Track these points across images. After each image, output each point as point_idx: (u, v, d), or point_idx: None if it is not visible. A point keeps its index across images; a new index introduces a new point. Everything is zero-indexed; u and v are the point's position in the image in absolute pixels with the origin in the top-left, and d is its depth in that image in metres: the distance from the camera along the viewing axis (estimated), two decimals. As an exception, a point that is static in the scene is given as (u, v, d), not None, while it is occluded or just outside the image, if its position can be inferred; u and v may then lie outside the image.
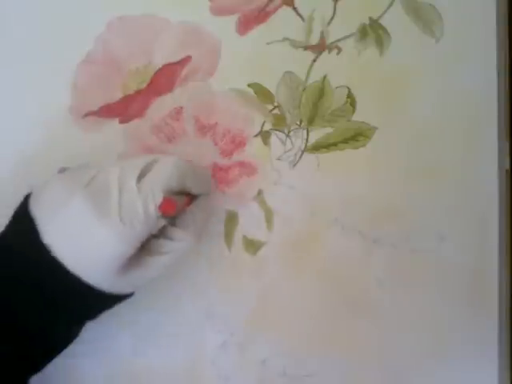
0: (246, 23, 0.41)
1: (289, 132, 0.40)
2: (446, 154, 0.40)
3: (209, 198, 0.36)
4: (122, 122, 0.40)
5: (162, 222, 0.33)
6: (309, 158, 0.40)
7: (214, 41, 0.41)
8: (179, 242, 0.34)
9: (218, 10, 0.41)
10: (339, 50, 0.40)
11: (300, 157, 0.40)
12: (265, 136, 0.40)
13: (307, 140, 0.40)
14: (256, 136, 0.40)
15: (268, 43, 0.41)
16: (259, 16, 0.41)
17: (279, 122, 0.40)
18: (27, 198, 0.33)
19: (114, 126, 0.40)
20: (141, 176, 0.33)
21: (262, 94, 0.40)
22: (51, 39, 0.41)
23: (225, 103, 0.40)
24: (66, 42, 0.41)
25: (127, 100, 0.40)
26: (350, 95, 0.40)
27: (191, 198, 0.35)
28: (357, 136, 0.40)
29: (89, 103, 0.40)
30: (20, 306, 0.32)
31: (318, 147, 0.40)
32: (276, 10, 0.41)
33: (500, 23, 0.40)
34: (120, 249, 0.32)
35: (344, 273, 0.40)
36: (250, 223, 0.40)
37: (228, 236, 0.40)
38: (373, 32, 0.40)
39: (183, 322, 0.40)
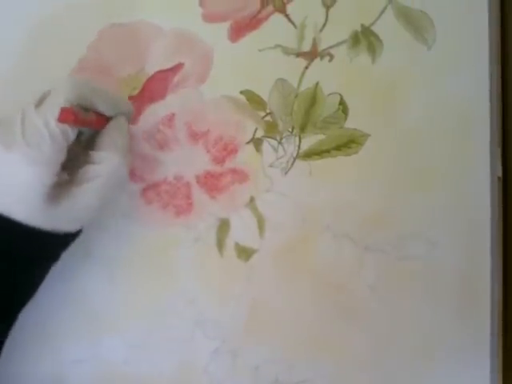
0: (238, 30, 0.41)
1: (281, 139, 0.40)
2: (439, 161, 0.40)
3: (125, 119, 0.36)
4: (114, 128, 0.40)
5: (71, 136, 0.33)
6: (301, 165, 0.40)
7: (206, 48, 0.41)
8: (102, 163, 0.34)
9: (210, 17, 0.41)
10: (331, 56, 0.40)
11: (292, 164, 0.40)
12: (257, 143, 0.40)
13: (299, 147, 0.40)
14: (248, 143, 0.40)
15: (260, 50, 0.41)
16: (251, 23, 0.41)
17: (271, 129, 0.40)
18: None
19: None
20: (39, 103, 0.33)
21: (254, 100, 0.40)
22: (43, 47, 0.41)
23: (217, 110, 0.40)
24: (59, 49, 0.41)
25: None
26: (342, 102, 0.40)
27: (103, 118, 0.35)
28: (349, 143, 0.40)
29: (81, 110, 0.40)
30: None
31: (310, 154, 0.40)
32: (268, 16, 0.41)
33: (492, 30, 0.40)
34: (33, 173, 0.31)
35: (335, 279, 0.40)
36: (242, 230, 0.40)
37: (220, 243, 0.40)
38: (365, 39, 0.40)
39: (175, 329, 0.40)
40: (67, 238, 0.35)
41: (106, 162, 0.34)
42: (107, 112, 0.35)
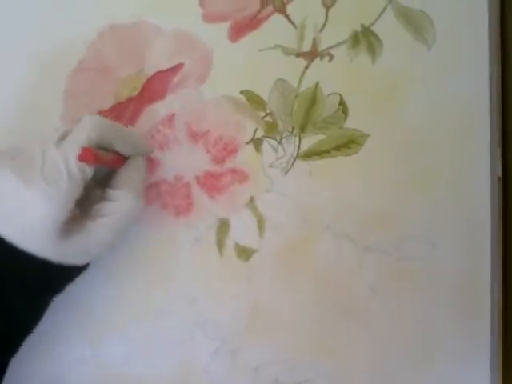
0: (238, 30, 0.41)
1: (281, 139, 0.40)
2: (438, 161, 0.40)
3: (143, 159, 0.37)
4: (114, 129, 0.40)
5: (89, 174, 0.33)
6: (301, 165, 0.40)
7: (205, 48, 0.41)
8: (117, 201, 0.34)
9: (210, 17, 0.41)
10: (331, 57, 0.40)
11: (292, 164, 0.40)
12: (257, 143, 0.40)
13: (299, 147, 0.40)
14: (248, 143, 0.40)
15: (260, 50, 0.41)
16: (251, 23, 0.41)
17: (271, 129, 0.40)
18: None
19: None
20: (61, 139, 0.33)
21: (254, 101, 0.40)
22: (43, 47, 0.41)
23: (217, 110, 0.40)
24: (58, 49, 0.41)
25: (119, 107, 0.40)
26: (342, 102, 0.40)
27: (121, 158, 0.35)
28: (349, 143, 0.40)
29: (81, 111, 0.40)
30: None
31: (310, 154, 0.40)
32: (268, 17, 0.41)
33: (492, 29, 0.40)
34: (48, 210, 0.32)
35: (335, 279, 0.40)
36: (242, 230, 0.40)
37: (220, 243, 0.40)
38: (365, 39, 0.40)
39: (175, 329, 0.40)
40: (75, 271, 0.35)
41: (122, 201, 0.34)
42: (126, 152, 0.36)
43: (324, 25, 0.40)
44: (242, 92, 0.40)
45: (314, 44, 0.40)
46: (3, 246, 0.32)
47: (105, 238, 0.35)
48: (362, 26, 0.40)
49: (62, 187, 0.32)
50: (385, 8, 0.40)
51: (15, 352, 0.35)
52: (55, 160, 0.32)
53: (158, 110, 0.40)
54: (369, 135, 0.40)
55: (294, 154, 0.40)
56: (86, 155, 0.32)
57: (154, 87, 0.40)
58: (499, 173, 0.40)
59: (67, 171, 0.32)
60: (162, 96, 0.40)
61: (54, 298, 0.36)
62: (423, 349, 0.40)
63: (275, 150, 0.40)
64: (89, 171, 0.33)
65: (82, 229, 0.34)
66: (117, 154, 0.35)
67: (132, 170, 0.36)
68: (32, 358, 0.40)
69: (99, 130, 0.33)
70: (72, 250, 0.34)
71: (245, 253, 0.40)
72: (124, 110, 0.40)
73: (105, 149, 0.34)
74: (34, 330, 0.36)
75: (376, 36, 0.40)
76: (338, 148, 0.40)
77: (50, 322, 0.39)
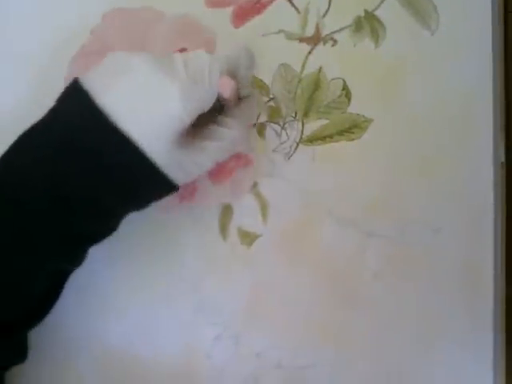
0: (242, 15, 0.41)
1: (284, 124, 0.40)
2: (441, 146, 0.40)
3: (253, 98, 0.37)
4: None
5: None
6: (304, 149, 0.40)
7: (209, 33, 0.41)
8: (229, 129, 0.34)
9: (213, 2, 0.41)
10: (334, 42, 0.40)
11: (295, 149, 0.40)
12: (260, 128, 0.40)
13: (302, 132, 0.40)
14: (251, 128, 0.40)
15: (263, 35, 0.41)
16: (254, 8, 0.41)
17: (274, 114, 0.40)
18: (75, 80, 0.32)
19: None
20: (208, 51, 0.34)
21: (257, 85, 0.40)
22: (46, 32, 0.41)
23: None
24: (62, 34, 0.41)
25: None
26: (345, 87, 0.40)
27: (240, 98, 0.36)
28: (352, 128, 0.40)
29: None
30: (72, 177, 0.31)
31: (313, 139, 0.40)
32: (271, 2, 0.41)
33: (495, 15, 0.40)
34: (184, 107, 0.31)
35: (338, 265, 0.40)
36: (245, 215, 0.40)
37: (223, 228, 0.40)
38: (368, 24, 0.40)
39: (177, 314, 0.40)
40: (167, 189, 0.34)
41: (233, 129, 0.35)
42: (244, 93, 0.36)
43: (327, 10, 0.40)
44: (245, 77, 0.40)
45: (318, 29, 0.40)
46: (116, 134, 0.31)
47: (207, 160, 0.34)
48: (366, 11, 0.40)
49: (203, 88, 0.32)
50: (388, -7, 0.40)
51: (81, 254, 0.35)
52: (201, 63, 0.32)
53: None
54: (372, 120, 0.40)
55: (297, 139, 0.40)
56: (225, 85, 0.33)
57: (157, 72, 0.40)
58: (502, 158, 0.40)
59: (209, 77, 0.32)
60: (165, 81, 0.40)
61: (124, 216, 0.35)
62: (426, 334, 0.40)
63: (278, 134, 0.40)
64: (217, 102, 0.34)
65: (190, 146, 0.33)
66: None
67: (247, 106, 0.36)
68: (36, 343, 0.40)
69: (241, 64, 0.35)
70: (177, 163, 0.33)
71: (248, 238, 0.40)
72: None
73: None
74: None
75: (379, 21, 0.40)
76: (341, 133, 0.40)
77: (54, 307, 0.39)
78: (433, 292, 0.40)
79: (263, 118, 0.40)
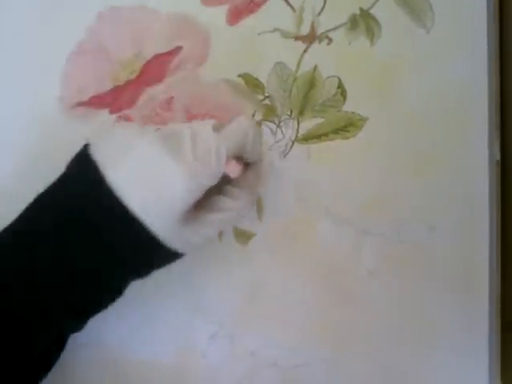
0: (237, 13, 0.41)
1: (279, 122, 0.40)
2: (437, 145, 0.40)
3: (262, 166, 0.37)
4: (112, 112, 0.40)
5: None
6: (299, 148, 0.40)
7: (204, 31, 0.41)
8: (236, 200, 0.34)
9: (209, 1, 0.41)
10: (330, 40, 0.40)
11: (290, 147, 0.40)
12: (255, 126, 0.40)
13: (298, 130, 0.40)
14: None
15: (259, 34, 0.41)
16: (250, 6, 0.41)
17: (270, 113, 0.40)
18: (85, 147, 0.33)
19: (104, 117, 0.40)
20: (215, 129, 0.33)
21: (252, 84, 0.40)
22: (42, 29, 0.41)
23: (215, 93, 0.40)
24: (57, 32, 0.41)
25: (118, 90, 0.40)
26: (340, 85, 0.40)
27: (247, 164, 0.36)
28: (347, 126, 0.40)
29: (79, 93, 0.40)
30: (75, 249, 0.31)
31: (308, 138, 0.40)
32: (267, 0, 0.41)
33: (490, 13, 0.40)
34: (188, 188, 0.31)
35: (334, 263, 0.40)
36: (241, 213, 0.40)
37: (218, 226, 0.40)
38: (363, 22, 0.40)
39: (173, 313, 0.40)
40: (171, 258, 0.35)
41: (239, 200, 0.35)
42: (252, 160, 0.36)
43: (323, 8, 0.40)
44: (240, 75, 0.40)
45: (313, 27, 0.40)
46: (121, 209, 0.31)
47: (212, 231, 0.35)
48: (361, 9, 0.40)
49: (209, 169, 0.32)
50: (383, -9, 0.40)
51: (85, 322, 0.35)
52: (209, 142, 0.32)
53: (157, 92, 0.40)
54: (367, 118, 0.40)
55: (293, 138, 0.40)
56: (232, 167, 0.33)
57: (152, 70, 0.40)
58: (498, 156, 0.40)
59: (216, 159, 0.32)
60: (160, 79, 0.40)
61: (131, 281, 0.35)
62: (422, 333, 0.40)
63: (274, 133, 0.40)
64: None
65: (194, 219, 0.33)
66: (244, 161, 0.35)
67: (253, 174, 0.36)
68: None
69: (249, 144, 0.34)
70: (180, 236, 0.33)
71: (243, 236, 0.40)
72: (122, 93, 0.40)
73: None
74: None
75: (374, 19, 0.40)
76: (336, 131, 0.40)
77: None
78: (428, 290, 0.40)
79: (258, 117, 0.40)
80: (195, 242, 0.34)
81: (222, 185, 0.35)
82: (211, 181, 0.33)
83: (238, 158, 0.34)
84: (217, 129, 0.33)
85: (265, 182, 0.38)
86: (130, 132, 0.33)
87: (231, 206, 0.34)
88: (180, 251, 0.34)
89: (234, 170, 0.33)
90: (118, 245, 0.32)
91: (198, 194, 0.33)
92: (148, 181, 0.31)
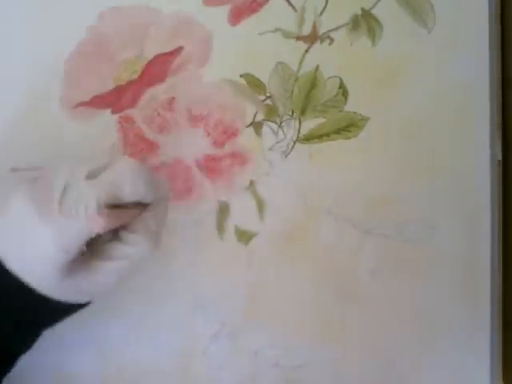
0: (238, 13, 0.41)
1: (281, 122, 0.40)
2: (439, 145, 0.40)
3: (165, 205, 0.34)
4: (114, 112, 0.40)
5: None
6: (301, 148, 0.40)
7: (205, 31, 0.40)
8: (133, 246, 0.32)
9: (210, 1, 0.41)
10: (331, 40, 0.40)
11: (292, 147, 0.40)
12: (257, 126, 0.40)
13: (299, 130, 0.40)
14: (248, 126, 0.40)
15: (260, 34, 0.41)
16: (251, 6, 0.41)
17: (271, 113, 0.40)
18: None
19: (105, 117, 0.40)
20: (91, 175, 0.31)
21: (254, 84, 0.40)
22: (43, 29, 0.41)
23: (217, 94, 0.40)
24: (58, 31, 0.41)
25: (119, 90, 0.40)
26: (342, 85, 0.40)
27: (143, 206, 0.33)
28: (349, 126, 0.40)
29: (80, 94, 0.40)
30: None
31: (310, 138, 0.40)
32: (268, 0, 0.41)
33: (492, 13, 0.40)
34: (60, 247, 0.30)
35: (336, 263, 0.40)
36: (242, 214, 0.40)
37: (220, 226, 0.40)
38: (365, 22, 0.40)
39: (175, 312, 0.40)
40: (74, 308, 0.34)
41: (137, 246, 0.32)
42: (148, 200, 0.33)
43: (324, 8, 0.40)
44: (242, 75, 0.40)
45: (314, 27, 0.40)
46: (4, 273, 0.30)
47: (110, 280, 0.32)
48: (363, 9, 0.40)
49: (76, 225, 0.30)
50: (385, -9, 0.40)
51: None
52: (78, 193, 0.30)
53: (158, 93, 0.40)
54: (369, 118, 0.40)
55: (294, 138, 0.40)
56: (94, 223, 0.30)
57: (153, 70, 0.40)
58: (499, 156, 0.40)
59: (84, 209, 0.30)
60: (161, 79, 0.40)
61: (43, 332, 0.34)
62: (423, 333, 0.40)
63: (275, 133, 0.40)
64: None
65: (87, 268, 0.32)
66: (139, 204, 0.33)
67: (152, 215, 0.33)
68: (37, 344, 0.40)
69: (133, 186, 0.31)
70: (74, 288, 0.32)
71: (245, 236, 0.40)
72: (124, 93, 0.40)
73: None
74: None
75: (376, 20, 0.40)
76: (338, 131, 0.40)
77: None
78: (430, 291, 0.40)
79: (260, 117, 0.40)
80: (97, 291, 0.33)
81: (118, 230, 0.32)
82: (84, 234, 0.30)
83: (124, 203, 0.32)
84: (92, 175, 0.31)
85: (165, 221, 0.34)
86: (2, 189, 0.31)
87: (127, 254, 0.32)
88: (80, 302, 0.33)
89: (99, 223, 0.30)
90: (14, 309, 0.31)
91: (73, 248, 0.30)
92: (21, 242, 0.30)
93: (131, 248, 0.32)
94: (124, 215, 0.32)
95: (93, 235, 0.31)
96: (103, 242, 0.32)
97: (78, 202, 0.30)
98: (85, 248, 0.32)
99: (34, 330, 0.34)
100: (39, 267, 0.31)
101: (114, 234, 0.32)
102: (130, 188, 0.31)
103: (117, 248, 0.32)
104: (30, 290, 0.31)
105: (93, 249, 0.32)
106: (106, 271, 0.32)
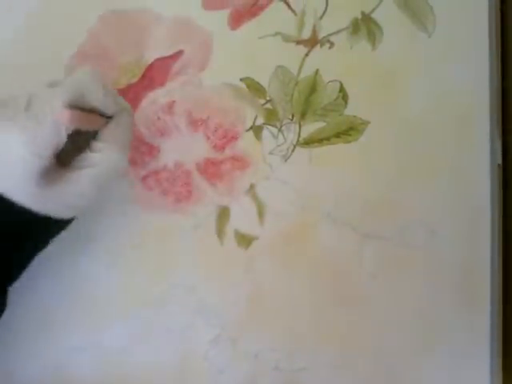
0: (238, 18, 0.41)
1: (281, 126, 0.40)
2: (439, 149, 0.40)
3: (128, 116, 0.36)
4: (114, 116, 0.40)
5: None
6: (301, 152, 0.40)
7: (206, 35, 0.41)
8: (99, 153, 0.34)
9: (211, 5, 0.41)
10: (331, 44, 0.40)
11: (292, 151, 0.40)
12: (257, 130, 0.40)
13: (299, 134, 0.40)
14: (248, 130, 0.40)
15: (260, 38, 0.41)
16: (251, 10, 0.41)
17: (271, 117, 0.40)
18: None
19: (106, 121, 0.40)
20: (53, 84, 0.33)
21: (254, 88, 0.40)
22: (43, 32, 0.41)
23: (217, 97, 0.40)
24: (58, 35, 0.41)
25: (119, 94, 0.40)
26: (342, 89, 0.40)
27: (102, 117, 0.35)
28: (349, 130, 0.40)
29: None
30: None
31: (310, 141, 0.40)
32: (268, 4, 0.41)
33: (492, 18, 0.40)
34: (31, 147, 0.31)
35: (336, 267, 0.40)
36: (242, 217, 0.40)
37: (220, 230, 0.40)
38: (365, 26, 0.40)
39: (175, 316, 0.40)
40: (58, 224, 0.35)
41: (104, 152, 0.34)
42: (108, 111, 0.35)
43: (324, 12, 0.40)
44: (242, 79, 0.40)
45: (314, 31, 0.40)
46: None
47: (85, 189, 0.34)
48: (363, 13, 0.40)
49: (45, 128, 0.32)
50: (385, -5, 0.40)
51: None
52: (42, 101, 0.32)
53: (158, 97, 0.40)
54: (369, 122, 0.40)
55: (294, 141, 0.40)
56: (63, 117, 0.32)
57: (153, 74, 0.40)
58: (499, 160, 0.40)
59: (50, 110, 0.32)
60: (161, 83, 0.40)
61: (39, 251, 0.35)
62: (423, 336, 0.40)
63: (275, 137, 0.40)
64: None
65: (64, 180, 0.33)
66: (97, 113, 0.34)
67: (117, 125, 0.35)
68: (32, 345, 0.40)
69: (85, 89, 0.33)
70: (52, 200, 0.33)
71: (245, 240, 0.40)
72: (124, 97, 0.40)
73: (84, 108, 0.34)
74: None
75: (376, 23, 0.40)
76: (338, 135, 0.40)
77: (51, 308, 0.40)
78: (430, 293, 0.40)
79: (260, 121, 0.40)
80: (77, 204, 0.34)
81: (91, 141, 0.34)
82: (54, 137, 0.32)
83: (87, 109, 0.33)
84: (54, 84, 0.33)
85: (130, 132, 0.36)
86: None
87: (97, 161, 0.34)
88: (62, 216, 0.34)
89: (65, 117, 0.32)
90: None
91: (45, 153, 0.32)
92: None
93: (99, 155, 0.34)
94: (89, 119, 0.34)
95: (62, 137, 0.32)
96: (77, 155, 0.34)
97: (43, 105, 0.32)
98: (59, 163, 0.33)
99: (21, 247, 0.34)
100: (14, 172, 0.32)
101: (86, 146, 0.34)
102: (91, 89, 0.33)
103: (87, 157, 0.34)
104: (8, 201, 0.32)
105: (68, 163, 0.34)
106: (78, 179, 0.33)
